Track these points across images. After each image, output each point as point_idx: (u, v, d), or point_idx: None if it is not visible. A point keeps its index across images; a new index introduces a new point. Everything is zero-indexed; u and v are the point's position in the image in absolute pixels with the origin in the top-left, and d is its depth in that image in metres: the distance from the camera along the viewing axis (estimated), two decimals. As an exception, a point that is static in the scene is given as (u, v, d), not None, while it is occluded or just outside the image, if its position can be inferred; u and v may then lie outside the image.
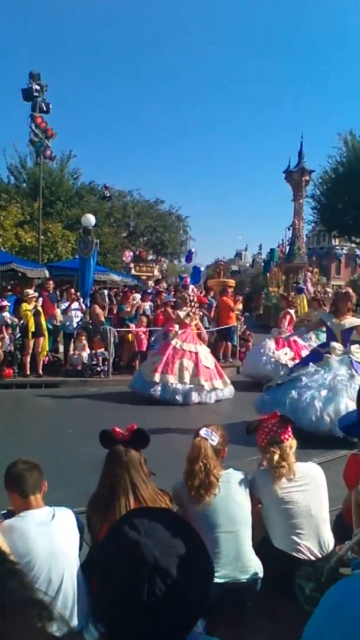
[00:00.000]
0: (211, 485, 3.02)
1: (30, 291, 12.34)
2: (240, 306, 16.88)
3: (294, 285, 21.63)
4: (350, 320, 7.81)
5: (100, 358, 12.26)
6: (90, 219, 14.17)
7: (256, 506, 3.24)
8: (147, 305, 14.32)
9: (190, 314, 10.76)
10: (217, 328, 14.26)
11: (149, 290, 16.93)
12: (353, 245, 42.48)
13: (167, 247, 39.53)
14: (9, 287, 16.34)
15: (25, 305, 11.72)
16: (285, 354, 11.74)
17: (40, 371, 11.87)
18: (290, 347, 11.89)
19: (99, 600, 1.12)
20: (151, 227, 38.32)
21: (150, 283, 22.51)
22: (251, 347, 14.43)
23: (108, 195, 33.56)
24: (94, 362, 12.18)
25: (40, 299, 12.85)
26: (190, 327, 10.71)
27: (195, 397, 9.87)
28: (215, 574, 2.88)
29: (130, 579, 0.95)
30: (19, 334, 11.76)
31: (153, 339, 12.42)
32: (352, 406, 6.76)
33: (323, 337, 9.41)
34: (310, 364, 7.92)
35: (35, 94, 18.74)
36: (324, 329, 8.53)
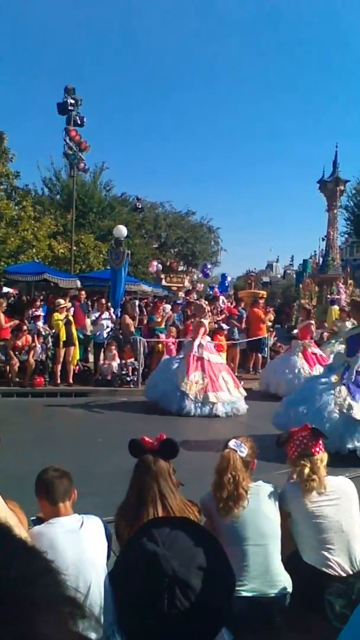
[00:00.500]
0: (240, 498, 2.99)
1: (62, 301, 12.51)
2: (271, 317, 16.76)
3: (328, 297, 21.40)
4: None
5: (130, 368, 12.33)
6: (122, 230, 14.32)
7: (286, 520, 3.19)
8: (177, 315, 14.36)
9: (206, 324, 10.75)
10: (248, 339, 14.19)
11: (179, 301, 16.99)
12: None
13: (198, 258, 39.63)
14: (42, 297, 16.63)
15: (56, 315, 11.88)
16: None
17: (71, 380, 11.99)
18: (320, 364, 11.57)
19: (120, 611, 1.12)
20: (182, 238, 38.49)
21: (181, 294, 22.54)
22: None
23: (140, 207, 33.89)
24: (123, 372, 12.25)
25: (72, 309, 13.03)
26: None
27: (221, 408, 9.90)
28: (244, 588, 2.85)
29: (150, 590, 0.95)
30: (50, 343, 11.93)
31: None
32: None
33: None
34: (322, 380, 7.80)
35: (70, 108, 19.14)
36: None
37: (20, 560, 0.62)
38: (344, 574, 3.05)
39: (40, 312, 13.22)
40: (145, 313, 15.78)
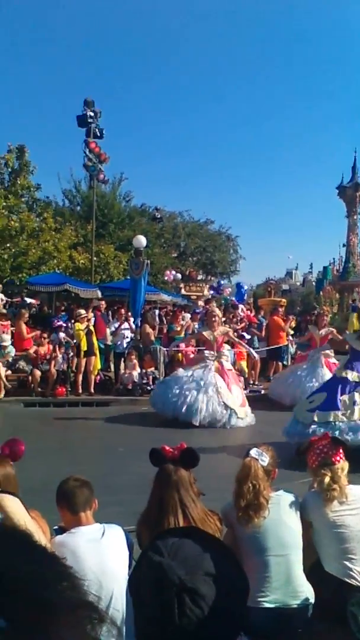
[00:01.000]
0: (260, 507, 2.97)
1: (83, 311, 12.62)
2: (293, 324, 16.64)
3: (351, 303, 21.19)
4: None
5: (151, 377, 12.36)
6: (142, 240, 14.41)
7: (307, 530, 3.17)
8: (197, 324, 14.36)
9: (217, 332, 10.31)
10: (268, 348, 14.12)
11: (198, 310, 16.99)
12: None
13: (217, 267, 39.59)
14: (64, 307, 16.79)
15: (77, 325, 11.99)
16: None
17: (92, 390, 12.06)
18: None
19: (135, 624, 1.13)
20: (201, 247, 38.51)
21: (200, 303, 22.55)
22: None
23: (159, 216, 34.05)
24: (144, 381, 12.29)
25: (93, 319, 13.13)
26: (222, 347, 10.49)
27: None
28: (266, 599, 2.83)
29: (159, 601, 0.95)
30: (71, 353, 12.03)
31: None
32: None
33: None
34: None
35: (89, 120, 19.37)
36: None
37: (38, 563, 0.64)
38: (366, 585, 3.01)
39: (61, 323, 13.35)
40: (165, 322, 15.82)
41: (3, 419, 10.05)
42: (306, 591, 2.93)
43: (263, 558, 2.91)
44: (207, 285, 28.44)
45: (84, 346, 11.80)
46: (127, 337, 13.26)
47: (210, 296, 21.34)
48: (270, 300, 20.60)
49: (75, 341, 12.03)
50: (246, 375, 13.35)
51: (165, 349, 12.85)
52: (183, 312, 16.67)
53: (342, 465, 3.24)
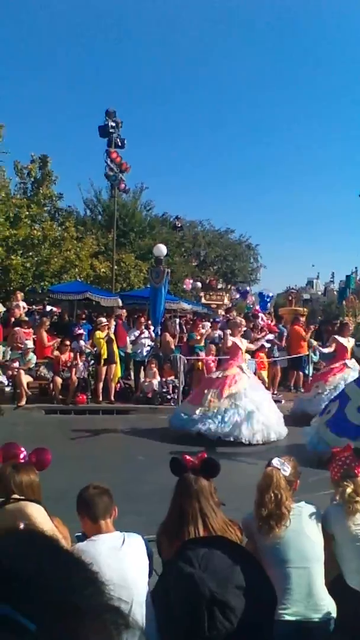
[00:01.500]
0: (282, 517, 2.93)
1: (103, 319, 12.69)
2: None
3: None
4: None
5: (171, 386, 12.37)
6: (162, 248, 14.48)
7: (329, 542, 3.12)
8: (217, 333, 14.35)
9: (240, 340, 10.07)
10: (288, 357, 14.04)
11: (218, 319, 16.98)
12: None
13: (237, 276, 39.60)
14: (85, 316, 16.91)
15: (98, 333, 12.06)
16: None
17: (112, 398, 12.10)
18: None
19: (160, 632, 1.11)
20: (221, 256, 38.57)
21: (220, 311, 22.56)
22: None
23: (179, 225, 34.20)
24: (164, 390, 12.30)
25: (114, 327, 13.19)
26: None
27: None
28: (287, 611, 2.79)
29: (189, 613, 0.95)
30: (92, 361, 12.09)
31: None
32: None
33: None
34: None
35: (111, 131, 19.58)
36: None
37: (66, 569, 0.65)
38: (390, 600, 2.96)
39: (82, 331, 13.44)
40: (185, 331, 15.84)
41: (24, 426, 10.13)
42: (328, 605, 2.88)
43: (284, 570, 2.87)
44: (227, 294, 28.42)
45: (104, 354, 11.87)
46: (147, 346, 13.29)
47: (233, 303, 21.28)
48: (291, 310, 20.53)
49: (95, 349, 12.10)
50: (266, 385, 13.27)
51: (185, 357, 12.85)
52: (203, 320, 16.67)
53: (365, 477, 3.20)
